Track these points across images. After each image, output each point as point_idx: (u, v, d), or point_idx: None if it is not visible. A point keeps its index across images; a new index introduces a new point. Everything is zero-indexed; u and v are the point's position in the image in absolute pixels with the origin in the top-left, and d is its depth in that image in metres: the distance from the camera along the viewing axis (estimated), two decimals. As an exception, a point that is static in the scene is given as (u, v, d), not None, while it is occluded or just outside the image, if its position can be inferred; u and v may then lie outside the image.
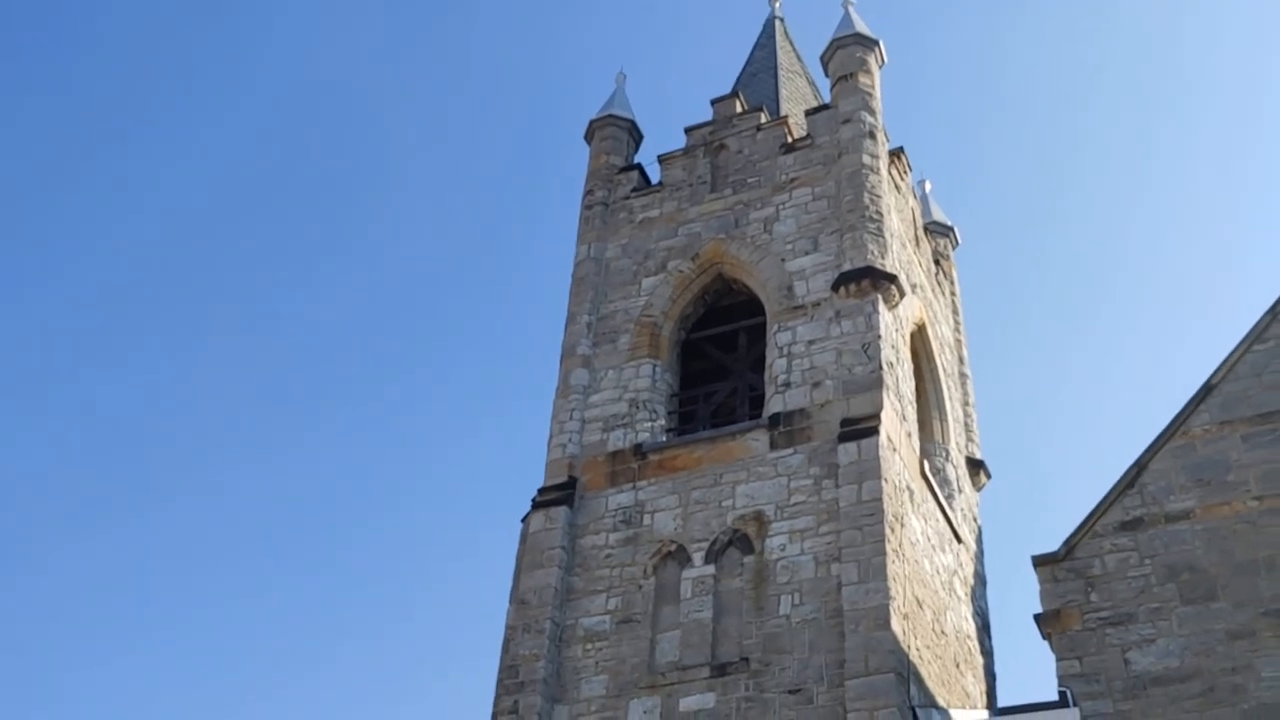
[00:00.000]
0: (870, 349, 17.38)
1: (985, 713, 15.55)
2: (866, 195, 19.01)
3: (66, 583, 47.02)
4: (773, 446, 16.92)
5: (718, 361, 19.77)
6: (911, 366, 19.21)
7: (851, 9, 22.01)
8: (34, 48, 51.92)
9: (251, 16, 55.47)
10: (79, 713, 43.15)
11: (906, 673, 14.52)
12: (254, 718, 44.63)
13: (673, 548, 16.58)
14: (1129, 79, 56.77)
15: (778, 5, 27.37)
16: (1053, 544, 14.33)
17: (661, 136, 25.53)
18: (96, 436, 49.90)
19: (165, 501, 49.71)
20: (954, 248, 24.32)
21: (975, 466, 21.20)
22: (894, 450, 16.61)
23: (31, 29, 51.81)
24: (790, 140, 20.73)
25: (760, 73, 24.89)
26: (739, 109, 21.71)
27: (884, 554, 15.07)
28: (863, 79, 20.73)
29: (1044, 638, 13.94)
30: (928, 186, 24.86)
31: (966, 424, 21.65)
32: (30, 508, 47.65)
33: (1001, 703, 18.12)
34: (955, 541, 18.93)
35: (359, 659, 47.11)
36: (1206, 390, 14.69)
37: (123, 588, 47.70)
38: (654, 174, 21.66)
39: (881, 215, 18.88)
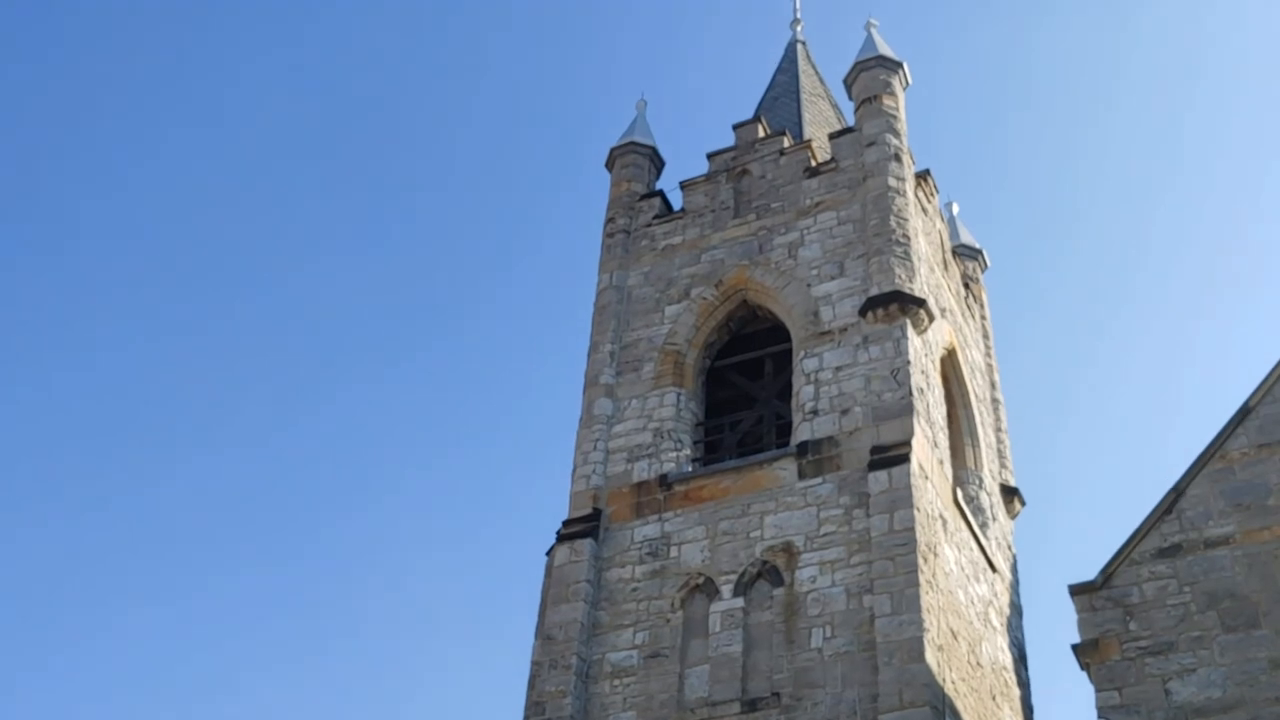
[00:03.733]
0: (900, 375, 17.11)
1: (1023, 746, 15.18)
2: (893, 218, 18.79)
3: (64, 577, 47.18)
4: (801, 476, 16.66)
5: (743, 389, 19.54)
6: (942, 392, 18.93)
7: (874, 31, 21.83)
8: (27, 34, 52.37)
9: (278, 30, 55.71)
10: (73, 710, 43.16)
11: (942, 706, 14.19)
12: None
13: (700, 580, 16.32)
14: (1157, 97, 56.39)
15: (799, 29, 27.29)
16: (1089, 572, 14.00)
17: (683, 162, 25.51)
18: (99, 423, 50.03)
19: (168, 502, 49.74)
20: (983, 270, 24.03)
21: (1009, 494, 20.85)
22: (926, 478, 16.31)
23: (29, 13, 52.30)
24: (814, 164, 20.55)
25: (782, 97, 24.76)
26: (761, 133, 21.56)
27: (917, 584, 14.76)
28: (886, 101, 20.54)
29: (1082, 668, 13.60)
30: (955, 209, 24.63)
31: (999, 450, 21.30)
32: (21, 495, 47.85)
33: (1040, 735, 17.73)
34: (990, 571, 18.57)
35: (385, 703, 46.79)
36: (1244, 413, 14.36)
37: (118, 579, 47.81)
38: (676, 200, 21.52)
39: (908, 238, 18.64)
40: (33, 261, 51.50)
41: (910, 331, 17.67)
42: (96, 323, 51.57)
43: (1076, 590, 13.97)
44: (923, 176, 21.07)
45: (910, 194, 19.62)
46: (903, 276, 18.10)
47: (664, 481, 17.54)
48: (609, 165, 22.58)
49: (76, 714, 43.35)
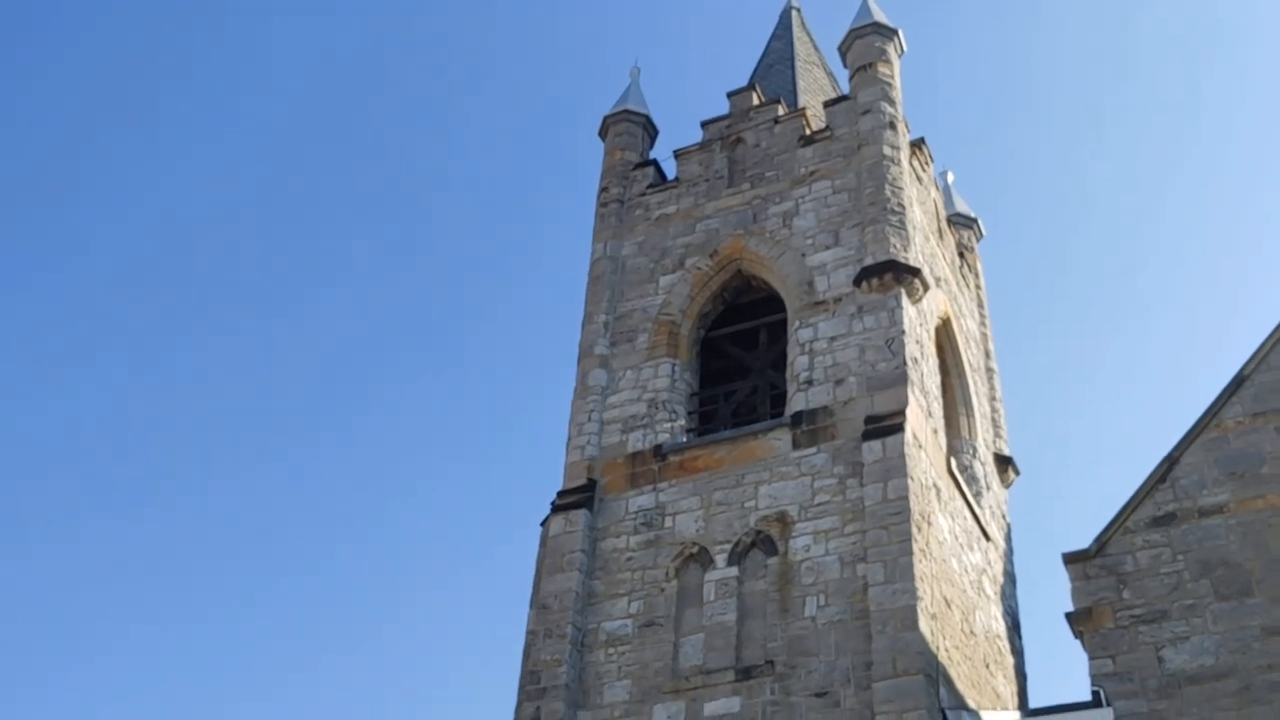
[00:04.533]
0: (894, 344, 17.08)
1: (1016, 714, 15.25)
2: (888, 187, 18.71)
3: (68, 585, 47.17)
4: (795, 446, 16.65)
5: (738, 360, 19.51)
6: (937, 362, 18.90)
7: (869, -3, 21.66)
8: (41, 37, 52.01)
9: (255, 12, 55.38)
10: (75, 714, 43.26)
11: (935, 674, 14.24)
12: None
13: (695, 550, 16.34)
14: (1157, 64, 56.16)
15: (794, -4, 27.05)
16: (1083, 541, 14.06)
17: (677, 131, 25.33)
18: (109, 434, 49.99)
19: (169, 501, 49.81)
20: (978, 240, 23.97)
21: (1003, 463, 20.86)
22: (920, 448, 16.31)
23: (39, 16, 51.93)
24: (809, 132, 20.43)
25: (777, 64, 24.60)
26: (756, 101, 21.42)
27: (911, 553, 14.79)
28: (882, 69, 20.41)
29: (1076, 636, 13.66)
30: (950, 178, 24.53)
31: (994, 420, 21.31)
32: (29, 508, 47.84)
33: (1033, 704, 17.81)
34: (984, 540, 18.61)
35: (374, 667, 47.05)
36: (1239, 381, 14.36)
37: (131, 589, 47.79)
38: (670, 170, 21.40)
39: (903, 207, 18.57)
40: (40, 279, 51.58)
41: (905, 301, 17.63)
42: (96, 342, 51.43)
43: (1070, 559, 14.01)
44: (918, 145, 20.96)
45: (905, 162, 19.52)
46: (898, 246, 18.03)
47: (659, 452, 17.53)
48: (602, 134, 22.44)
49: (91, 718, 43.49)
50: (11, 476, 48.25)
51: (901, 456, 15.66)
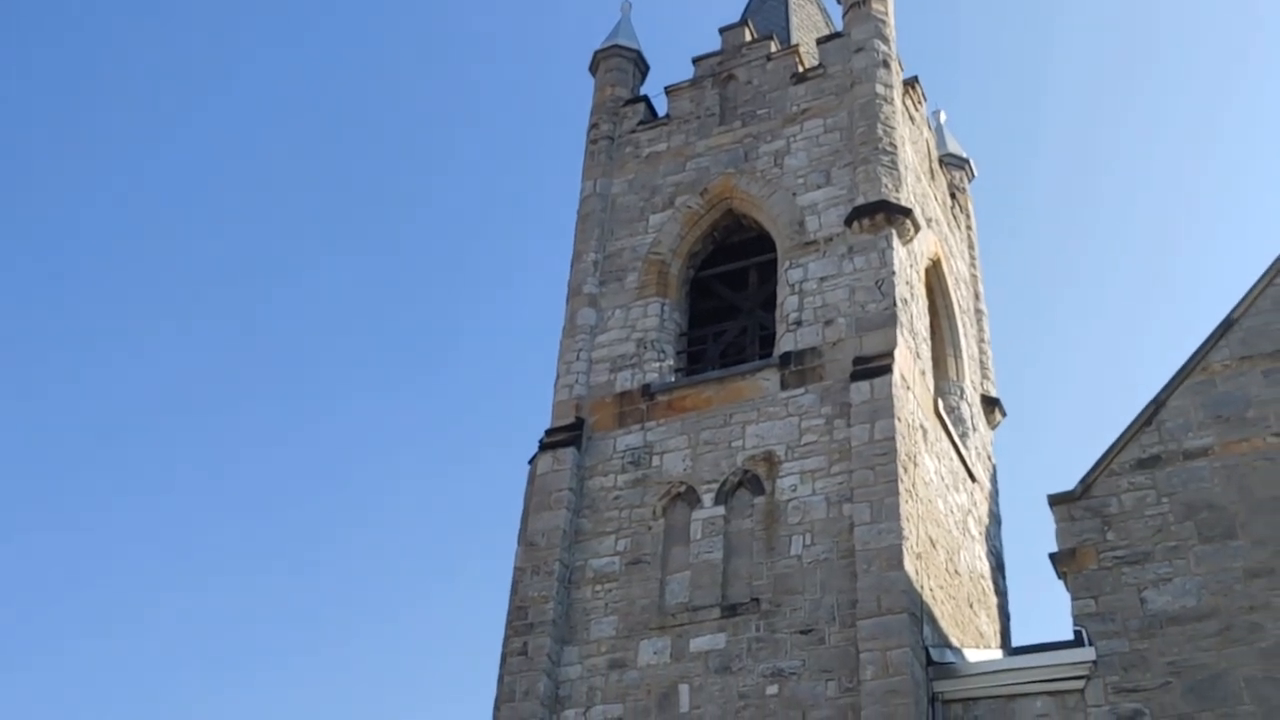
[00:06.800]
0: (884, 285, 17.04)
1: (999, 652, 15.38)
2: (880, 126, 18.56)
3: (63, 576, 46.98)
4: (784, 386, 16.66)
5: (727, 300, 19.44)
6: (926, 303, 18.87)
7: (864, -67, 21.30)
8: (25, 33, 51.17)
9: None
10: (72, 708, 43.27)
11: (920, 613, 14.36)
12: (251, 694, 44.69)
13: (682, 489, 16.38)
14: (1146, 6, 55.62)
15: (788, -69, 26.64)
16: (1069, 483, 14.16)
17: (669, 68, 25.07)
18: (84, 429, 49.43)
19: (164, 489, 49.61)
20: (969, 180, 23.83)
21: (990, 404, 20.92)
22: (907, 389, 16.33)
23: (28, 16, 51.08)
24: (801, 70, 20.22)
25: (770, 0, 24.29)
26: (748, 38, 21.17)
27: (897, 494, 14.85)
28: (876, 5, 20.15)
29: (1059, 577, 13.79)
30: (942, 117, 24.33)
31: (982, 361, 21.33)
32: (20, 499, 47.54)
33: (1016, 642, 18.02)
34: (969, 480, 18.70)
35: (362, 637, 47.11)
36: (1227, 325, 14.39)
37: (119, 580, 47.55)
38: (661, 106, 21.19)
39: (895, 147, 18.44)
40: (31, 267, 50.86)
41: (895, 242, 17.56)
42: (73, 336, 50.81)
43: (1055, 500, 14.10)
44: (911, 84, 20.77)
45: (898, 101, 19.35)
46: (889, 186, 17.93)
47: (647, 391, 17.52)
48: (593, 69, 22.18)
49: (76, 714, 43.52)
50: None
51: (889, 397, 15.67)
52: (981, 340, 21.61)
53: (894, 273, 17.12)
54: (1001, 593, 19.03)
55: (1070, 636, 13.36)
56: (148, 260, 52.14)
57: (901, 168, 18.35)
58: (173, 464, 49.48)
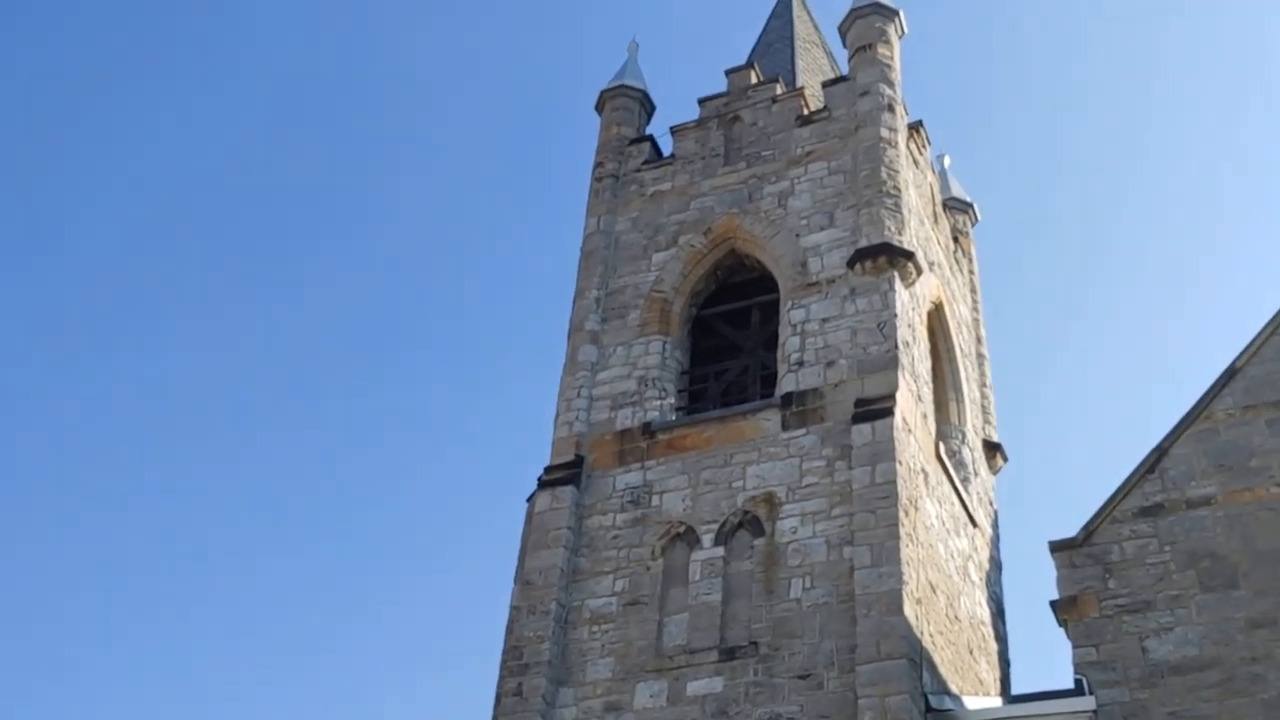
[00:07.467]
0: (886, 328, 17.02)
1: (999, 700, 15.26)
2: (884, 170, 18.61)
3: (62, 574, 46.72)
4: (785, 427, 16.59)
5: (729, 339, 19.42)
6: (928, 346, 18.85)
7: (871, -22, 21.47)
8: (26, 33, 51.48)
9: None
10: (72, 707, 43.02)
11: (919, 658, 14.23)
12: (257, 704, 44.44)
13: (681, 529, 16.29)
14: (1156, 47, 55.98)
15: (795, -26, 26.85)
16: (1070, 529, 14.06)
17: (674, 108, 25.17)
18: (83, 429, 49.35)
19: (160, 486, 49.48)
20: (973, 225, 23.88)
21: (992, 449, 20.85)
22: (909, 432, 16.27)
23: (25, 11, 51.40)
24: (806, 112, 20.30)
25: (776, 43, 24.44)
26: (754, 80, 21.27)
27: (897, 537, 14.76)
28: (881, 50, 20.27)
29: (1060, 625, 13.68)
30: (946, 162, 24.42)
31: (984, 406, 21.28)
32: (22, 496, 47.40)
33: (1016, 690, 17.86)
34: (970, 526, 18.60)
35: (360, 644, 46.87)
36: (1230, 374, 14.35)
37: (122, 578, 47.39)
38: (666, 146, 21.26)
39: (899, 190, 18.48)
40: (32, 267, 50.98)
41: (898, 284, 17.56)
42: (71, 335, 50.85)
43: (1057, 547, 14.00)
44: (915, 128, 20.85)
45: (902, 145, 19.42)
46: (892, 229, 17.95)
47: (647, 430, 17.46)
48: (599, 108, 22.28)
49: (76, 714, 43.27)
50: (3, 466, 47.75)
51: (890, 440, 15.61)
52: (983, 385, 21.58)
53: (896, 315, 17.11)
54: (1002, 639, 18.89)
55: (1071, 685, 13.24)
56: (148, 261, 52.29)
57: (905, 211, 18.38)
58: (173, 464, 49.53)
